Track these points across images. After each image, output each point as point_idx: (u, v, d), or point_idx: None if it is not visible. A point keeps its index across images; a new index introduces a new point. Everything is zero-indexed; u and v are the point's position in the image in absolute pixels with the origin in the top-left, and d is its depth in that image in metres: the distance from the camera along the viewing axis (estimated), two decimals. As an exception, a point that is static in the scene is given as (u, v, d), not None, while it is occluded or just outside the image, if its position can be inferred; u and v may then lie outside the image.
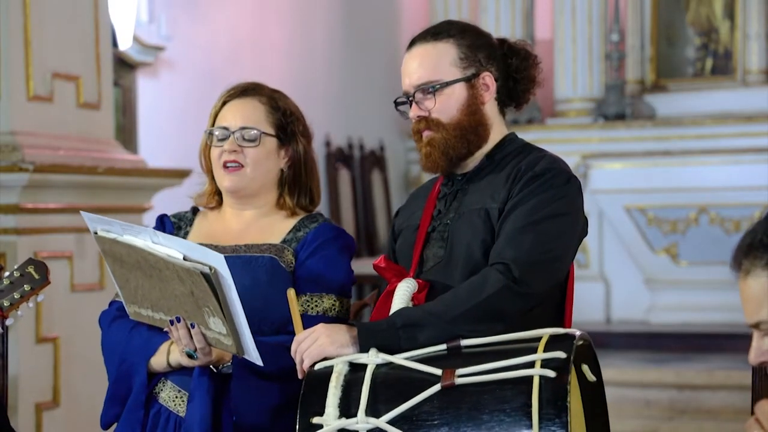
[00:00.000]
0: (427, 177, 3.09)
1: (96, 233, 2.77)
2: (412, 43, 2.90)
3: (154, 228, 3.10)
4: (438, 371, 2.44)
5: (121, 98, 6.31)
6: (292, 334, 2.73)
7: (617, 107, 8.28)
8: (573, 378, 2.51)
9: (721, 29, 8.28)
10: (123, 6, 6.14)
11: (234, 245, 2.98)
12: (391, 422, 2.42)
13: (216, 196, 3.10)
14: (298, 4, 7.98)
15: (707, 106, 8.14)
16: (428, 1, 8.89)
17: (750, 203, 7.71)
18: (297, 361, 2.65)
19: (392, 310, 2.68)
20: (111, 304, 3.07)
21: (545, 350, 2.40)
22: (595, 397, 2.63)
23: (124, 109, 6.33)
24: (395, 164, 8.90)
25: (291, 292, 2.74)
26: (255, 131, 2.99)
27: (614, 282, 8.16)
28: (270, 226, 3.03)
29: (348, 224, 8.07)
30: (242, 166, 2.99)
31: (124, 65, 6.29)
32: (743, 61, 8.10)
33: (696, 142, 7.99)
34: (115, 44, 5.88)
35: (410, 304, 2.71)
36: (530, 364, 2.38)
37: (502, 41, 2.94)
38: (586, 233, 2.84)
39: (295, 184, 3.06)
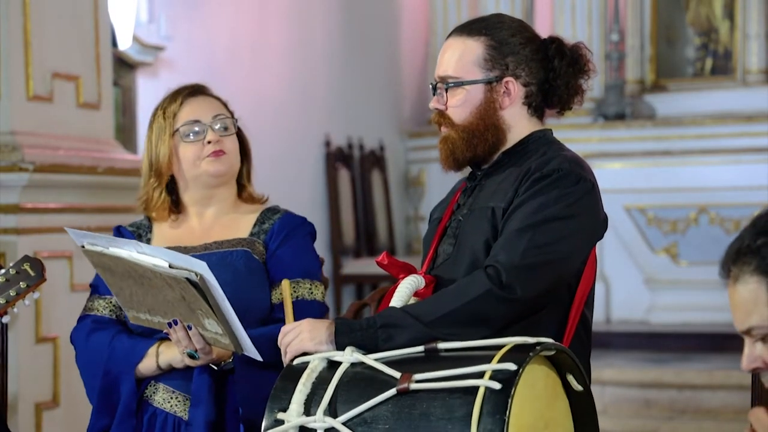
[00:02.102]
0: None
1: (83, 247, 2.79)
2: (451, 32, 2.84)
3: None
4: (398, 374, 2.39)
5: (121, 98, 6.31)
6: (283, 322, 2.75)
7: (617, 107, 8.28)
8: (545, 389, 2.47)
9: (721, 29, 8.28)
10: (123, 6, 6.15)
11: (204, 244, 3.04)
12: (347, 423, 2.39)
13: (169, 206, 3.12)
14: (298, 4, 7.98)
15: (707, 106, 8.14)
16: (428, 1, 8.89)
17: (750, 203, 7.70)
18: (282, 352, 2.63)
19: (391, 306, 2.64)
20: (80, 319, 3.08)
21: (500, 360, 2.34)
22: (585, 405, 2.58)
23: (124, 109, 6.33)
24: (395, 164, 8.89)
25: (285, 283, 2.80)
26: (229, 119, 3.07)
27: (614, 282, 8.15)
28: (233, 222, 3.09)
29: (348, 224, 8.06)
30: (225, 153, 3.06)
31: (123, 65, 6.30)
32: (743, 61, 8.10)
33: (696, 142, 7.98)
34: (114, 44, 5.89)
35: (411, 300, 2.66)
36: (480, 374, 2.32)
37: (554, 40, 2.83)
38: (601, 236, 2.75)
39: (248, 178, 3.16)
